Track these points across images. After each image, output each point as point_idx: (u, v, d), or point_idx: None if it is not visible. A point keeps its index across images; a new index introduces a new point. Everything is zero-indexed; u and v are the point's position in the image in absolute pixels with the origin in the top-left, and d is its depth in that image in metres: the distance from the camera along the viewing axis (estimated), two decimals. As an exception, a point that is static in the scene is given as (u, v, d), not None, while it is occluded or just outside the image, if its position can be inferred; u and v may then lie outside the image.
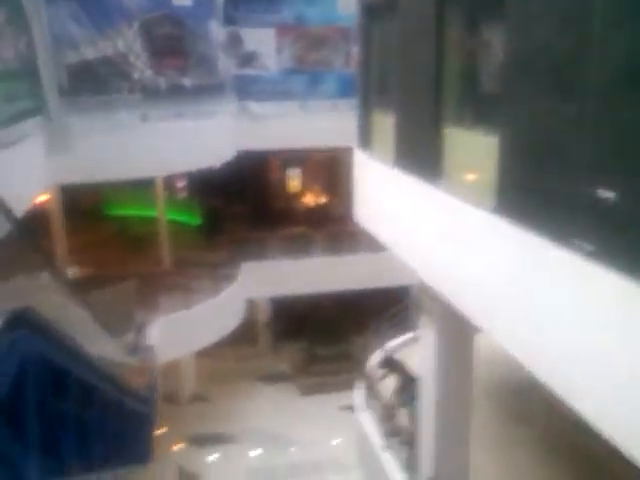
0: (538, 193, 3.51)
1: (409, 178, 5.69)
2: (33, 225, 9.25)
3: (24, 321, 3.58)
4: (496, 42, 4.20)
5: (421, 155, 5.46)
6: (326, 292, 16.30)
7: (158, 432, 11.44)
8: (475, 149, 4.70)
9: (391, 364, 9.44)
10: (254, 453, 13.96)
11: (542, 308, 3.42)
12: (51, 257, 11.31)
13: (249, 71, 14.13)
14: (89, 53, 10.17)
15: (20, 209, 8.04)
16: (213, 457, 13.82)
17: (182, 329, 12.06)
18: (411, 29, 5.55)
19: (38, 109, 9.54)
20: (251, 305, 16.01)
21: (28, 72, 9.20)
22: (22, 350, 3.52)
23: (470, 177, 4.89)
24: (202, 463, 13.51)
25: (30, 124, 8.88)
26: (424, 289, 6.57)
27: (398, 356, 10.20)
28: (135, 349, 9.57)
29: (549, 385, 3.33)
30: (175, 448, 13.89)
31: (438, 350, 6.62)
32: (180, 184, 18.44)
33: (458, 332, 6.48)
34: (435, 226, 5.27)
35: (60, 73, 9.96)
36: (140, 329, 10.24)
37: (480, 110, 4.64)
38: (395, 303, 14.42)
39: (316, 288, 15.82)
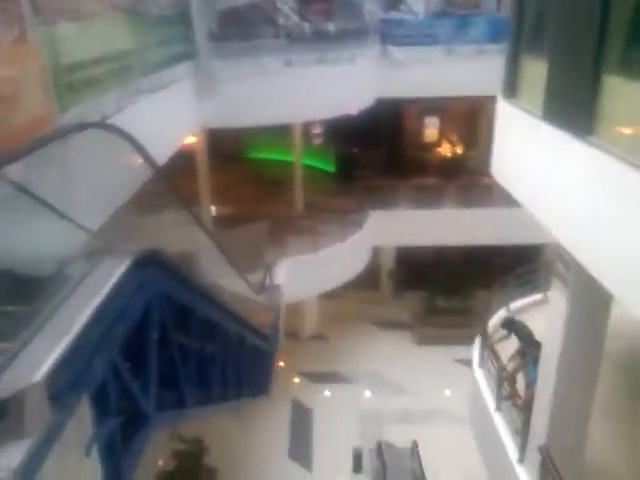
0: None
1: (558, 132, 5.25)
2: (181, 165, 9.88)
3: (153, 261, 3.68)
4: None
5: (575, 107, 4.98)
6: (453, 245, 15.93)
7: (278, 366, 12.14)
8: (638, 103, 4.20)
9: (514, 325, 9.06)
10: (367, 394, 14.36)
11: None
12: (193, 197, 12.12)
13: (395, 15, 13.69)
14: (239, -1, 10.43)
15: (170, 148, 8.64)
16: (327, 394, 14.42)
17: (308, 271, 12.48)
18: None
19: (189, 54, 10.01)
20: (376, 252, 16.09)
21: (181, 17, 9.63)
22: (149, 290, 3.63)
23: (630, 135, 4.39)
24: (316, 399, 14.18)
25: (181, 68, 9.35)
26: (559, 251, 6.16)
27: (522, 318, 9.77)
28: (263, 287, 10.03)
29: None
30: (292, 382, 14.68)
31: (568, 318, 6.22)
32: (316, 130, 18.66)
33: (593, 300, 6.01)
34: (581, 187, 4.85)
35: (211, 18, 10.32)
36: (269, 268, 10.70)
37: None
38: (524, 262, 13.76)
39: (443, 241, 15.53)
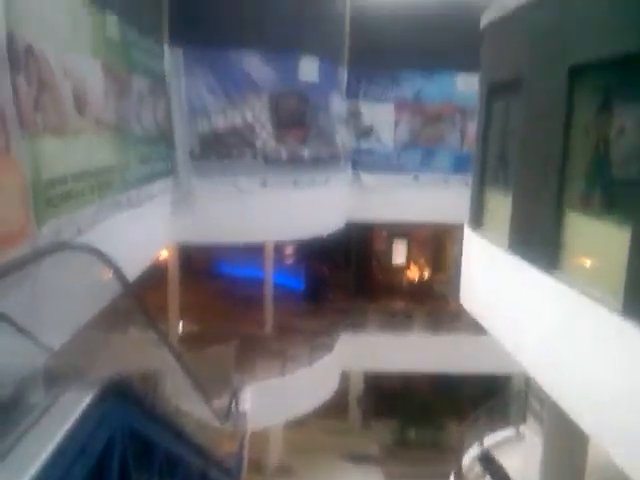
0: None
1: (523, 263, 5.42)
2: (151, 278, 9.79)
3: (117, 392, 3.49)
4: (633, 126, 3.99)
5: (539, 241, 5.20)
6: (423, 372, 15.73)
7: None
8: (602, 240, 4.40)
9: (489, 463, 8.71)
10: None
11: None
12: (161, 313, 11.89)
13: (366, 144, 14.52)
14: (220, 122, 10.95)
15: (143, 264, 8.59)
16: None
17: (275, 397, 12.01)
18: (537, 107, 5.44)
19: (168, 171, 10.31)
20: (344, 377, 15.73)
21: (163, 137, 10.02)
22: (112, 423, 3.43)
23: (594, 270, 4.56)
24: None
25: (159, 185, 9.57)
26: (530, 385, 6.11)
27: (496, 454, 9.44)
28: (228, 414, 9.59)
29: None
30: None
31: (545, 457, 6.05)
32: (288, 249, 18.97)
33: (569, 437, 5.89)
34: (549, 319, 4.93)
35: (192, 139, 10.77)
36: (235, 394, 10.31)
37: (611, 198, 4.36)
38: (495, 392, 13.58)
39: (413, 367, 15.30)
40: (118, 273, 4.41)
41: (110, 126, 6.94)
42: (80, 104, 5.92)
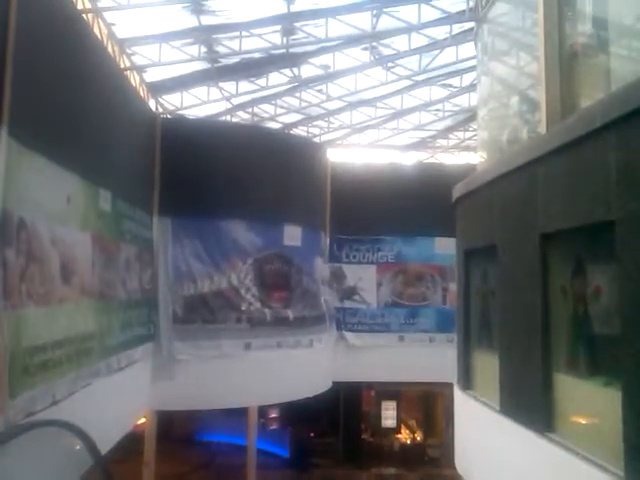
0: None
1: (517, 426, 5.25)
2: (126, 447, 9.23)
3: None
4: (608, 286, 4.12)
5: (530, 403, 5.09)
6: None
7: None
8: (593, 401, 4.32)
9: None
10: None
11: None
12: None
13: (350, 304, 14.70)
14: (205, 286, 11.10)
15: (118, 434, 8.14)
16: None
17: None
18: (513, 273, 5.63)
19: (151, 336, 10.19)
20: None
21: (147, 302, 10.05)
22: None
23: (589, 433, 4.41)
24: None
25: (140, 350, 9.39)
26: None
27: None
28: None
29: None
30: None
31: None
32: (273, 413, 18.23)
33: None
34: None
35: (176, 302, 10.82)
36: None
37: (596, 358, 4.37)
38: None
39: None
40: (90, 446, 4.22)
41: (94, 293, 6.98)
42: (67, 274, 6.00)
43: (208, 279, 11.15)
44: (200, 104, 18.34)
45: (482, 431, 6.47)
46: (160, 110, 17.69)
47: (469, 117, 20.93)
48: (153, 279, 10.39)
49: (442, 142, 24.96)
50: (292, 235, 12.53)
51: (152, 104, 16.98)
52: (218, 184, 11.29)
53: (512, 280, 5.64)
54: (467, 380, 7.04)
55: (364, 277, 14.80)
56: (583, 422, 4.56)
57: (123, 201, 8.30)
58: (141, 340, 9.44)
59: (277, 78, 17.69)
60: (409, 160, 22.67)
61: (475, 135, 20.46)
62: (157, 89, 16.95)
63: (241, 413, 14.69)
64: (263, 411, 16.64)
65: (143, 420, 11.93)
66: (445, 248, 13.97)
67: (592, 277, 4.48)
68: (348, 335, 14.56)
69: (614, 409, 3.71)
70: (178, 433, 18.57)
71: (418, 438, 18.02)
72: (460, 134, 24.18)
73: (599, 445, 4.07)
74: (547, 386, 4.75)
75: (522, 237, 5.31)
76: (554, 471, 4.57)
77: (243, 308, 11.50)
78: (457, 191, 7.50)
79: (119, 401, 8.05)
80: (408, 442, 17.86)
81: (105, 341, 7.28)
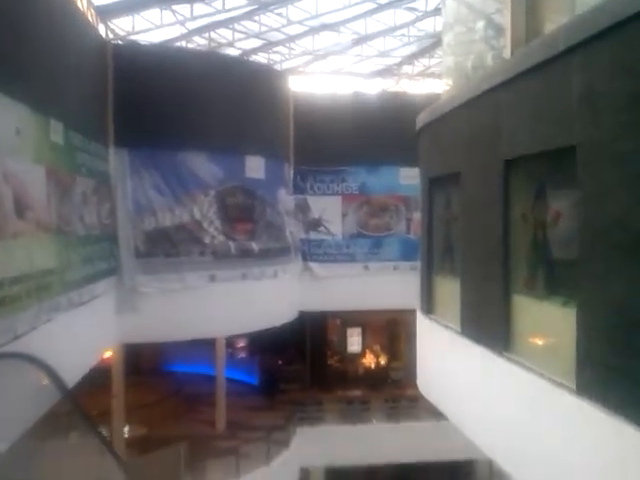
0: (624, 373, 3.22)
1: (476, 347, 5.45)
2: (94, 380, 9.30)
3: None
4: (568, 211, 4.18)
5: (489, 324, 5.26)
6: (384, 463, 15.22)
7: None
8: (549, 321, 4.49)
9: None
10: None
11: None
12: (105, 417, 11.22)
13: (315, 235, 14.75)
14: (166, 219, 10.93)
15: (85, 367, 8.17)
16: None
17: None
18: (475, 198, 5.68)
19: (112, 270, 10.06)
20: (304, 474, 14.99)
21: (108, 236, 9.86)
22: None
23: (545, 351, 4.60)
24: None
25: (103, 284, 9.30)
26: (494, 469, 5.98)
27: None
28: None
29: None
30: None
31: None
32: (240, 343, 18.53)
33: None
34: (505, 401, 4.90)
35: (137, 237, 10.64)
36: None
37: (553, 280, 4.49)
38: (461, 478, 13.23)
39: (375, 459, 14.78)
40: (55, 379, 4.20)
41: (51, 228, 6.79)
42: (21, 208, 5.80)
43: (169, 212, 10.96)
44: (153, 29, 17.44)
45: (443, 353, 6.71)
46: (111, 36, 16.73)
47: (434, 43, 20.52)
48: (112, 213, 10.16)
49: (407, 69, 24.54)
50: (254, 166, 12.31)
51: (102, 29, 16.02)
52: (175, 114, 10.91)
53: (475, 206, 5.69)
54: (429, 305, 7.22)
55: (329, 208, 14.80)
56: (540, 341, 4.75)
57: (77, 133, 7.97)
58: (103, 274, 9.32)
59: (235, 0, 16.87)
60: (373, 89, 22.27)
61: (440, 62, 20.14)
62: (106, 13, 15.95)
63: (209, 343, 14.87)
64: (231, 341, 16.88)
65: (110, 354, 12.00)
66: (410, 178, 14.00)
67: (553, 203, 4.54)
68: (314, 266, 14.70)
69: (569, 327, 3.85)
70: (146, 365, 18.75)
71: (382, 362, 18.64)
72: (425, 61, 23.78)
73: (554, 362, 4.26)
74: (506, 307, 4.90)
75: (486, 164, 5.31)
76: (511, 388, 4.79)
77: (206, 241, 11.41)
78: (421, 119, 7.41)
79: (83, 335, 8.03)
80: (372, 366, 18.47)
81: (65, 276, 7.16)
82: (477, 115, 5.59)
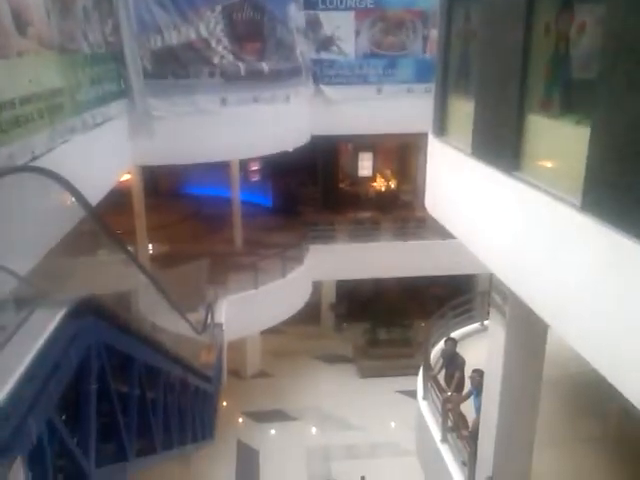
0: (632, 191, 3.30)
1: (487, 168, 5.51)
2: (116, 203, 9.66)
3: (88, 310, 3.48)
4: (593, 26, 3.96)
5: (501, 144, 5.25)
6: (391, 277, 16.26)
7: (221, 407, 11.81)
8: (562, 140, 4.48)
9: (454, 355, 9.28)
10: (313, 431, 14.20)
11: (624, 314, 3.23)
12: (129, 236, 11.84)
13: (327, 55, 14.10)
14: (173, 38, 10.43)
15: (104, 188, 8.44)
16: (272, 433, 14.14)
17: (250, 309, 12.34)
18: (497, 10, 5.33)
19: (123, 92, 9.90)
20: (317, 286, 16.14)
21: (114, 56, 9.54)
22: (85, 340, 3.43)
23: (555, 170, 4.66)
24: (262, 438, 13.87)
25: (115, 106, 9.23)
26: (494, 282, 6.39)
27: (462, 347, 10.03)
28: (205, 326, 9.84)
29: (622, 390, 3.17)
30: (236, 423, 14.33)
31: (507, 347, 6.41)
32: (254, 166, 18.77)
33: (530, 329, 6.24)
34: (511, 220, 5.08)
35: (144, 56, 10.27)
36: (210, 307, 10.54)
37: (570, 98, 4.40)
38: (461, 292, 14.17)
39: (382, 273, 15.78)
40: (78, 196, 4.33)
41: (55, 46, 6.58)
42: (21, 24, 5.57)
43: (175, 30, 10.43)
44: None
45: (453, 173, 6.80)
46: None
47: None
48: (116, 30, 9.70)
49: None
50: (262, -22, 11.41)
51: None
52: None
53: (495, 18, 5.36)
54: (442, 126, 7.15)
55: (342, 25, 13.93)
56: (549, 160, 4.78)
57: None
58: (113, 96, 9.21)
59: None
60: None
61: None
62: None
63: (224, 167, 15.13)
64: (244, 164, 17.10)
65: (129, 176, 12.31)
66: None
67: (579, 13, 4.27)
68: (325, 89, 14.27)
69: (580, 146, 3.85)
70: (164, 188, 19.32)
71: (392, 185, 18.96)
72: None
73: (562, 180, 4.33)
74: (519, 127, 4.85)
75: (511, -32, 4.89)
76: (518, 206, 4.93)
77: (215, 61, 11.00)
78: None
79: (100, 156, 8.17)
80: (383, 189, 18.84)
81: (75, 96, 7.09)
82: None
